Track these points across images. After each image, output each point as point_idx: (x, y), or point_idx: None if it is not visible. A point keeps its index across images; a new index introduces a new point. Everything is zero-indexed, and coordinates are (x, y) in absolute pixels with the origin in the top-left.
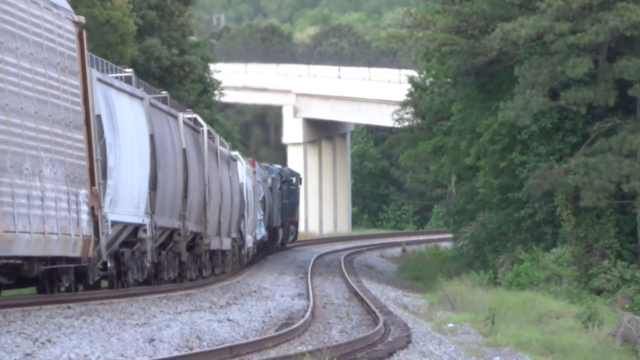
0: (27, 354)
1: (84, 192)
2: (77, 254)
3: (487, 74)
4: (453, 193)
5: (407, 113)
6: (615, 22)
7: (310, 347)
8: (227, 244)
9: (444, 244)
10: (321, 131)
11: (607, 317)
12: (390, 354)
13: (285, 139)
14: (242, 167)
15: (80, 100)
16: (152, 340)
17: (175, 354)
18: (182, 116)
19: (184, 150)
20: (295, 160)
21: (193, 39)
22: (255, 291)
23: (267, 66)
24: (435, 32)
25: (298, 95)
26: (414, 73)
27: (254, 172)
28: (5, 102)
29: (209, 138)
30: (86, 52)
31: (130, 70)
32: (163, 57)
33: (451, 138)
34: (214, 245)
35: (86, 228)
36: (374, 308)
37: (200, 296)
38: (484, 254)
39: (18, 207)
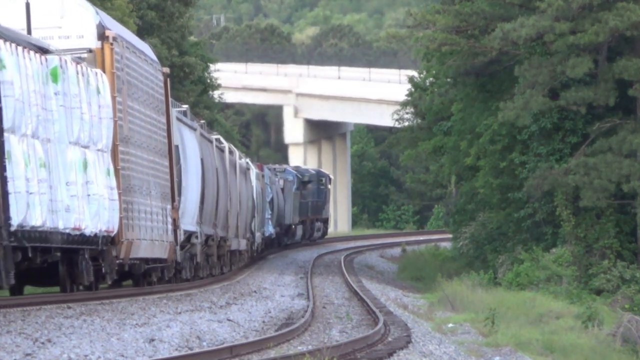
0: (27, 354)
1: (169, 207)
2: (165, 256)
3: (487, 74)
4: (453, 193)
5: (407, 113)
6: (615, 22)
7: (310, 347)
8: (243, 244)
9: (444, 244)
10: (321, 131)
11: (607, 317)
12: (390, 354)
13: (286, 139)
14: (253, 172)
15: (165, 134)
16: (152, 340)
17: (175, 354)
18: (214, 139)
19: (215, 168)
20: (296, 160)
21: (192, 38)
22: (255, 291)
23: (267, 66)
24: (435, 32)
25: (298, 95)
26: (414, 73)
27: (262, 176)
28: (135, 140)
29: (230, 153)
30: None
31: (186, 106)
32: (163, 57)
33: (451, 138)
34: (234, 246)
35: (171, 236)
36: (374, 308)
37: (200, 296)
38: (484, 254)
39: (140, 220)
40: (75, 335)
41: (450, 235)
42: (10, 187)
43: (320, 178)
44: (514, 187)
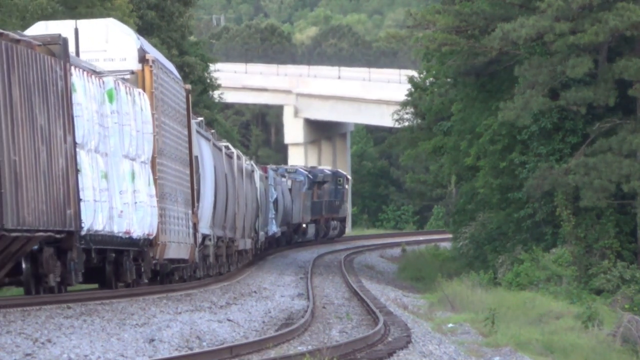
0: (27, 354)
1: (190, 212)
2: (187, 257)
3: (487, 74)
4: (453, 193)
5: (407, 113)
6: (615, 22)
7: (310, 347)
8: (248, 243)
9: (443, 244)
10: (321, 131)
11: (607, 317)
12: (390, 354)
13: (286, 139)
14: (257, 174)
15: (187, 145)
16: (152, 340)
17: (175, 354)
18: (223, 147)
19: (225, 175)
20: (296, 160)
21: (192, 38)
22: (255, 291)
23: (267, 66)
24: (435, 32)
25: (298, 95)
26: (414, 73)
27: (266, 177)
28: (167, 151)
29: (237, 159)
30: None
31: (201, 118)
32: None
33: (451, 138)
34: (241, 246)
35: (192, 238)
36: (373, 308)
37: (200, 296)
38: (484, 254)
39: (171, 224)
40: (75, 335)
41: (450, 235)
42: (81, 196)
43: (337, 178)
44: (514, 187)
